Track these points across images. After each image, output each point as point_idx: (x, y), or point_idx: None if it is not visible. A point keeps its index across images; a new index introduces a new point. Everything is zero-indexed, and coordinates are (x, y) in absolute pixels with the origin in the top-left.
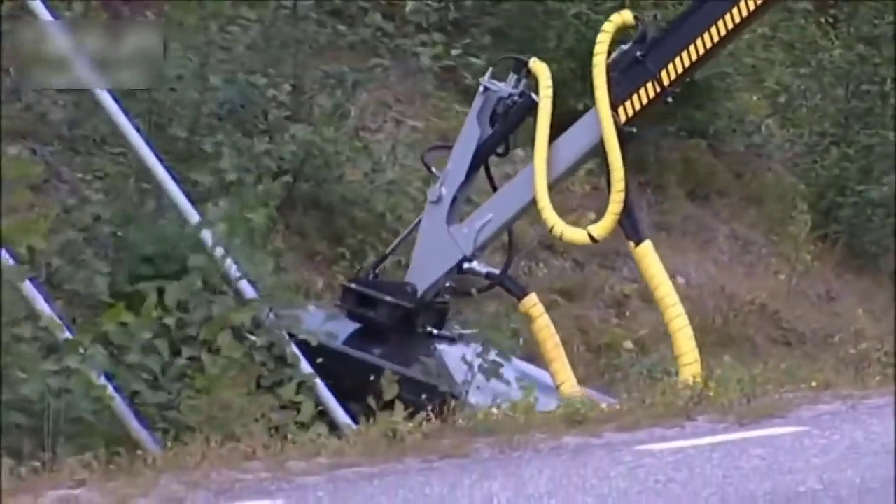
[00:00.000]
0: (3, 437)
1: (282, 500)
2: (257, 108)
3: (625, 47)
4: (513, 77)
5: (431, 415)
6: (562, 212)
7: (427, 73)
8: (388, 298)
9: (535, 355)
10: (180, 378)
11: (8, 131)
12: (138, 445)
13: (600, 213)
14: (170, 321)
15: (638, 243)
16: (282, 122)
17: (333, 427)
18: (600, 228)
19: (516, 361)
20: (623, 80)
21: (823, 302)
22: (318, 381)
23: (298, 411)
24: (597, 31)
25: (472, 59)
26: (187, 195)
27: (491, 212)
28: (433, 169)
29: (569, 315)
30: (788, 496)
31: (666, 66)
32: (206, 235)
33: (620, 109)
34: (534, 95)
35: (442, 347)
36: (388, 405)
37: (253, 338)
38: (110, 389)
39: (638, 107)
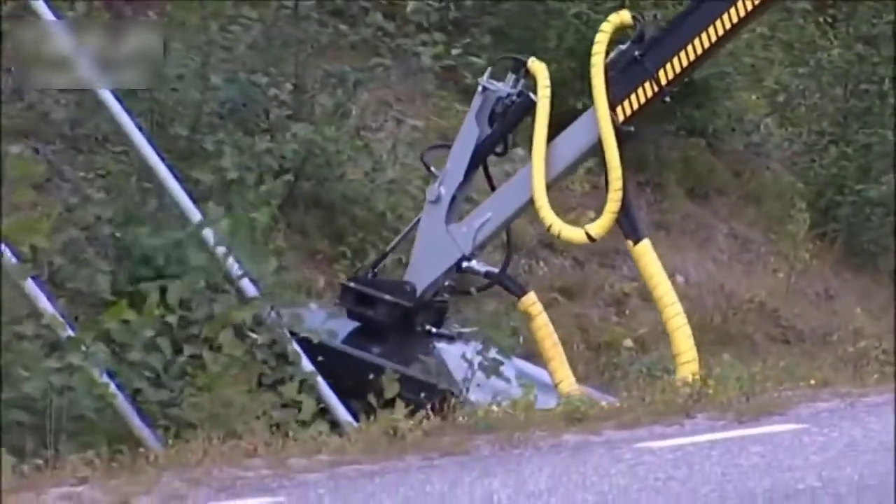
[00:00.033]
0: (5, 434)
1: (283, 498)
2: (259, 107)
3: (623, 47)
4: (511, 77)
5: (431, 413)
6: (561, 210)
7: (428, 73)
8: (388, 297)
9: (534, 354)
10: (182, 376)
11: (10, 130)
12: (140, 443)
13: (600, 212)
14: (172, 319)
15: (636, 242)
16: (283, 121)
17: (334, 425)
18: (598, 227)
19: (515, 360)
20: (621, 79)
21: (822, 300)
22: (319, 379)
23: (300, 409)
24: (597, 30)
25: (473, 59)
26: (189, 194)
27: (490, 211)
28: (432, 168)
29: (569, 313)
30: (787, 493)
31: (664, 66)
32: (208, 234)
33: (619, 109)
34: (532, 95)
35: (441, 346)
36: (389, 403)
37: (254, 335)
38: (112, 387)
39: (636, 106)
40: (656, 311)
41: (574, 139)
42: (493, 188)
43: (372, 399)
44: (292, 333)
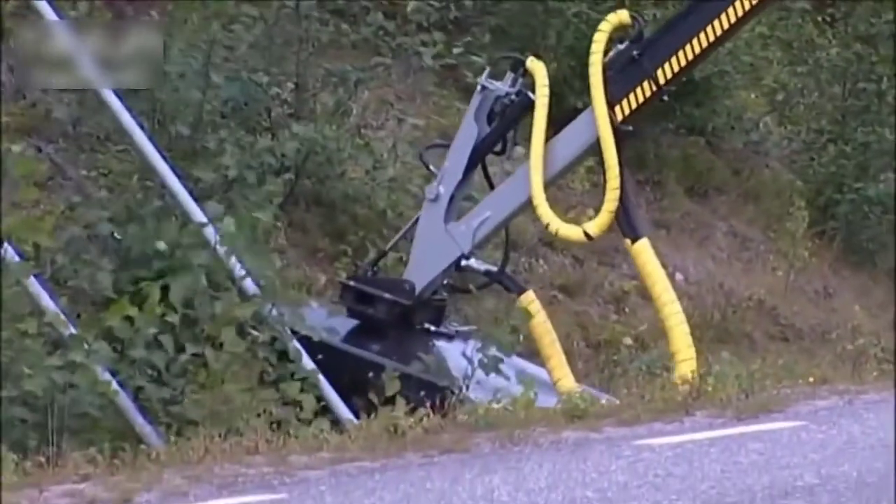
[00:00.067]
0: (8, 432)
1: (284, 495)
2: (260, 105)
3: (621, 46)
4: (510, 76)
5: (432, 410)
6: (562, 209)
7: (428, 72)
8: (387, 295)
9: (533, 352)
10: (184, 373)
11: (12, 129)
12: (142, 440)
13: (599, 211)
14: (174, 317)
15: (634, 241)
16: (284, 120)
17: (335, 422)
18: (595, 226)
19: (514, 359)
20: (619, 78)
21: (821, 298)
22: (320, 376)
23: (301, 408)
24: (596, 29)
25: (473, 58)
26: (190, 192)
27: (489, 210)
28: (431, 167)
29: (568, 311)
30: (786, 490)
31: (662, 65)
32: (210, 232)
33: (617, 108)
34: (531, 94)
35: (440, 344)
36: (390, 400)
37: (255, 333)
38: (114, 385)
39: (634, 105)
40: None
41: (572, 138)
42: (491, 187)
43: (373, 396)
44: (293, 331)
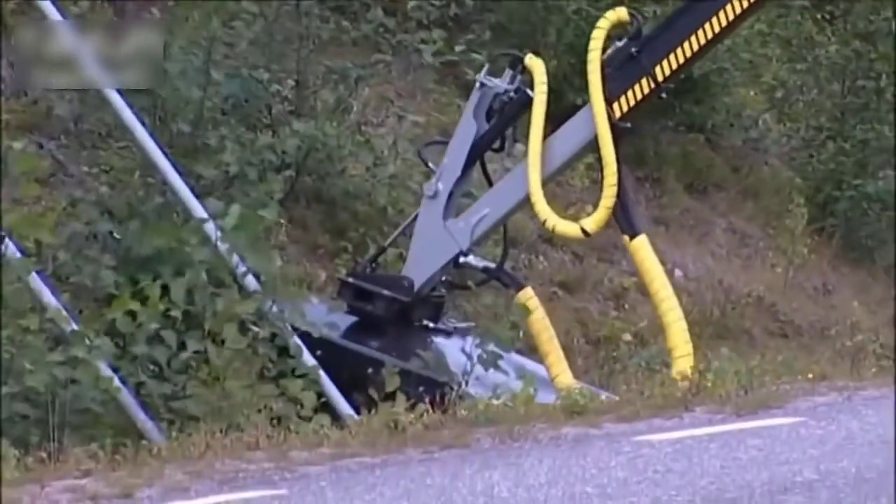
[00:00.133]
0: (10, 427)
1: (285, 490)
2: (261, 102)
3: (620, 44)
4: (508, 73)
5: (432, 406)
6: (561, 205)
7: (428, 69)
8: (385, 292)
9: (532, 349)
10: (185, 370)
11: (14, 126)
12: (143, 436)
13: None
14: (176, 313)
15: (633, 237)
16: (285, 117)
17: (335, 418)
18: (593, 222)
19: (513, 355)
20: (618, 76)
21: (820, 294)
22: (320, 372)
23: (301, 405)
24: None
25: (473, 55)
26: (191, 189)
27: (487, 206)
28: (430, 164)
29: (568, 307)
30: (785, 486)
31: (661, 62)
32: (211, 229)
33: (615, 105)
34: (529, 91)
35: (438, 340)
36: (390, 396)
37: (256, 329)
38: (116, 380)
39: (633, 102)
40: None
41: (571, 135)
42: (490, 184)
43: (373, 392)
44: (294, 328)
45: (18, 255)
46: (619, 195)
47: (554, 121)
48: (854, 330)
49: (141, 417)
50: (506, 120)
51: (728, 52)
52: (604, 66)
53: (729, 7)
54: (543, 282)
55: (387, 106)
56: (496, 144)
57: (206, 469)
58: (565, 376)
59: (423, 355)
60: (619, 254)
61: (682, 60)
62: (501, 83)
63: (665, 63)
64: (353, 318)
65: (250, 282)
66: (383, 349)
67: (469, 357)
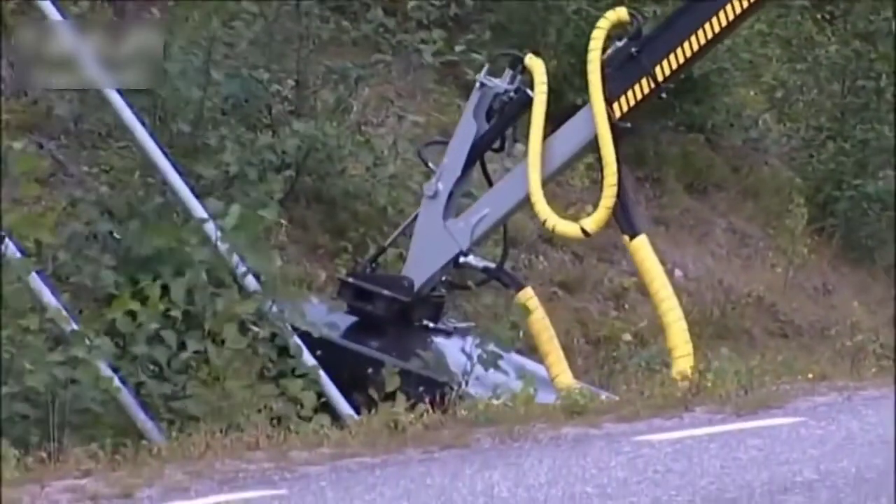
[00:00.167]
0: (10, 427)
1: (284, 490)
2: (261, 102)
3: (620, 44)
4: (508, 73)
5: (432, 406)
6: (561, 205)
7: (428, 69)
8: (385, 292)
9: (532, 349)
10: (185, 370)
11: (14, 126)
12: (143, 436)
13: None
14: (176, 313)
15: (633, 237)
16: (285, 117)
17: (335, 418)
18: (592, 222)
19: (513, 355)
20: (618, 76)
21: (820, 294)
22: (320, 372)
23: (301, 406)
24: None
25: (473, 55)
26: (191, 189)
27: (487, 206)
28: (430, 164)
29: (568, 307)
30: (785, 486)
31: (661, 62)
32: (210, 229)
33: (615, 105)
34: (529, 91)
35: (438, 340)
36: (390, 396)
37: (256, 329)
38: (116, 380)
39: (633, 102)
40: None
41: (571, 135)
42: (490, 184)
43: (373, 392)
44: (294, 328)
45: (18, 255)
46: (619, 195)
47: (554, 121)
48: (854, 330)
49: (141, 417)
50: (506, 120)
51: (728, 52)
52: (604, 66)
53: (729, 7)
54: (543, 282)
55: (387, 106)
56: (496, 144)
57: (206, 469)
58: (565, 376)
59: (423, 355)
60: (619, 254)
61: (682, 60)
62: (501, 83)
63: (665, 63)
64: (353, 318)
65: (250, 282)
66: (383, 349)
67: (469, 357)
